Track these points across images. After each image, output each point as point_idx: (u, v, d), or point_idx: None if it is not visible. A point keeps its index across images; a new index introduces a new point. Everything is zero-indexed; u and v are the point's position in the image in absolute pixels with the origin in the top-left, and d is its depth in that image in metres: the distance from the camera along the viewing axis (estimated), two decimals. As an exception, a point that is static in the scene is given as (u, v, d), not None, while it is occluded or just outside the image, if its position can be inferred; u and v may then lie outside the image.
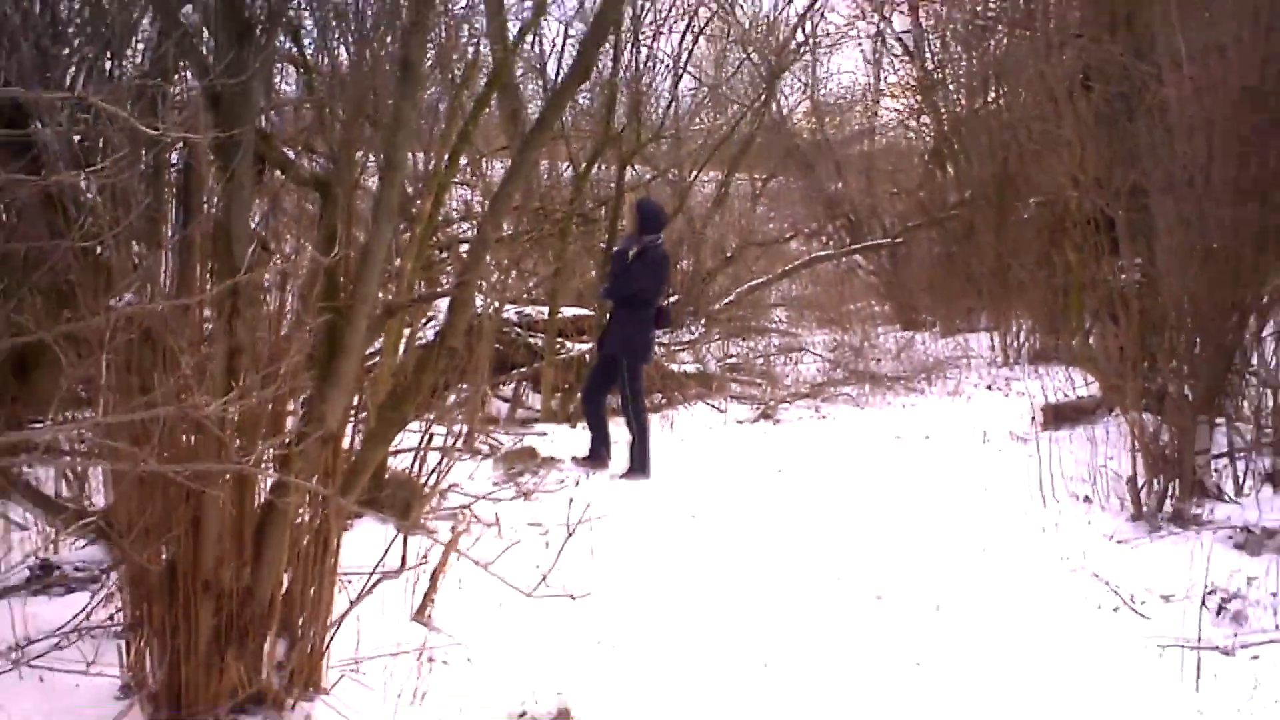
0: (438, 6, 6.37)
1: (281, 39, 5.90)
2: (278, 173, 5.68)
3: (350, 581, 5.89)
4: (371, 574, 5.92)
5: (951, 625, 7.06)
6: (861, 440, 13.01)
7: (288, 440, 5.15)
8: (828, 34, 24.21)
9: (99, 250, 4.84)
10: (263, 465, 4.96)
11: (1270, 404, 8.74)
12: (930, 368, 17.66)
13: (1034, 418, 12.03)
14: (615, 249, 12.91)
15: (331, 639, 5.58)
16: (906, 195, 23.22)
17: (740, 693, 6.14)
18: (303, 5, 6.04)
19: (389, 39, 5.74)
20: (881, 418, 14.62)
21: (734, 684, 6.25)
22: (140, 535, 4.93)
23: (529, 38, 18.17)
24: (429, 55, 6.36)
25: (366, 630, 5.99)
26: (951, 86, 22.78)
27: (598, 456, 11.70)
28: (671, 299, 13.20)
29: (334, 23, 5.84)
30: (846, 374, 17.46)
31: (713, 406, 15.62)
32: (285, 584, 5.31)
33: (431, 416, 8.83)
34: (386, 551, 6.20)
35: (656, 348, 13.32)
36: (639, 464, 11.40)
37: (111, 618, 5.69)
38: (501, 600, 6.79)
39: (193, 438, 4.88)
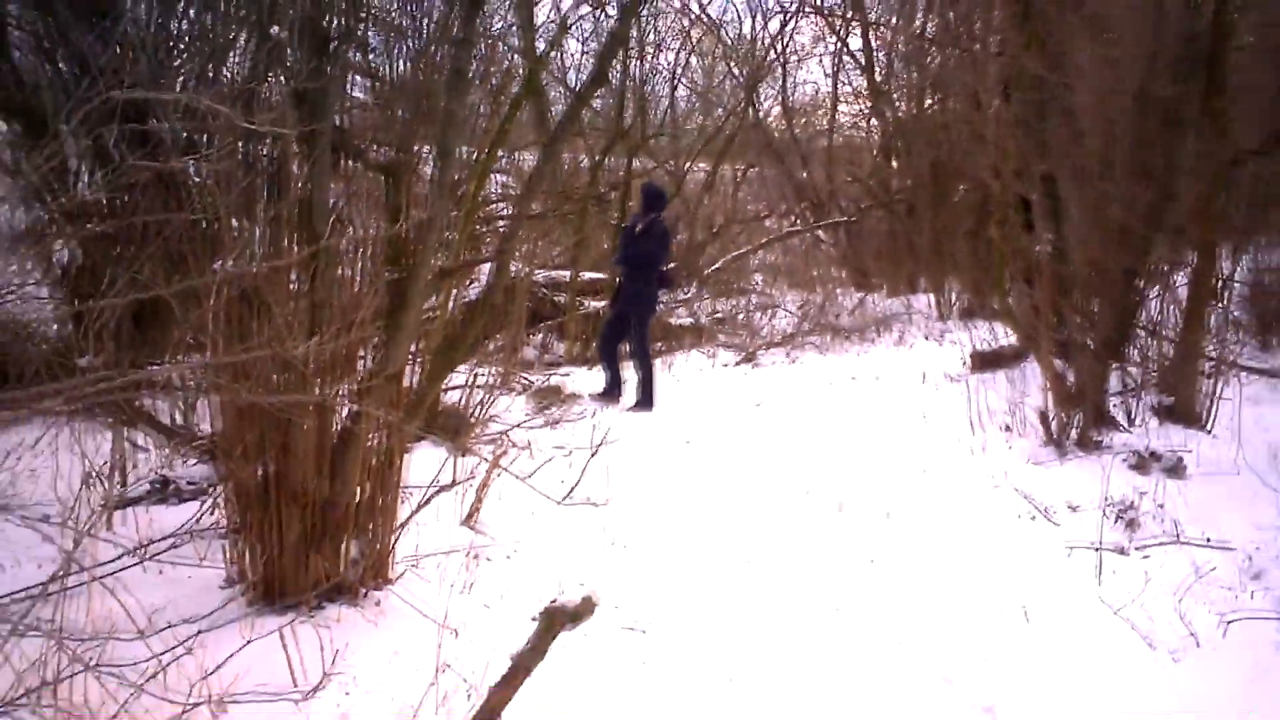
0: (480, 27, 6.29)
1: (354, 53, 5.83)
2: (352, 161, 5.61)
3: (411, 494, 5.88)
4: (428, 488, 5.92)
5: (899, 530, 7.05)
6: (824, 380, 12.96)
7: (361, 378, 5.13)
8: (796, 51, 24.19)
9: (206, 223, 4.79)
10: (339, 398, 4.92)
11: (1156, 352, 8.74)
12: (880, 322, 17.60)
13: (964, 362, 11.99)
14: (625, 224, 12.89)
15: (397, 541, 5.57)
16: (860, 182, 23.15)
17: (727, 583, 6.14)
18: (372, 25, 5.96)
19: (442, 52, 5.66)
20: (840, 362, 14.56)
21: (722, 577, 6.25)
22: (241, 455, 4.93)
23: (554, 53, 18.10)
24: (475, 66, 6.27)
25: (425, 534, 6.01)
26: (897, 95, 22.70)
27: (611, 393, 11.70)
28: (671, 265, 13.15)
29: (397, 40, 5.77)
30: (812, 327, 17.38)
31: (704, 353, 15.58)
32: (359, 495, 5.29)
33: (477, 360, 8.83)
34: (440, 469, 6.20)
35: (659, 305, 13.23)
36: (645, 399, 11.39)
37: (218, 522, 5.69)
38: (534, 509, 6.80)
39: (284, 376, 4.85)
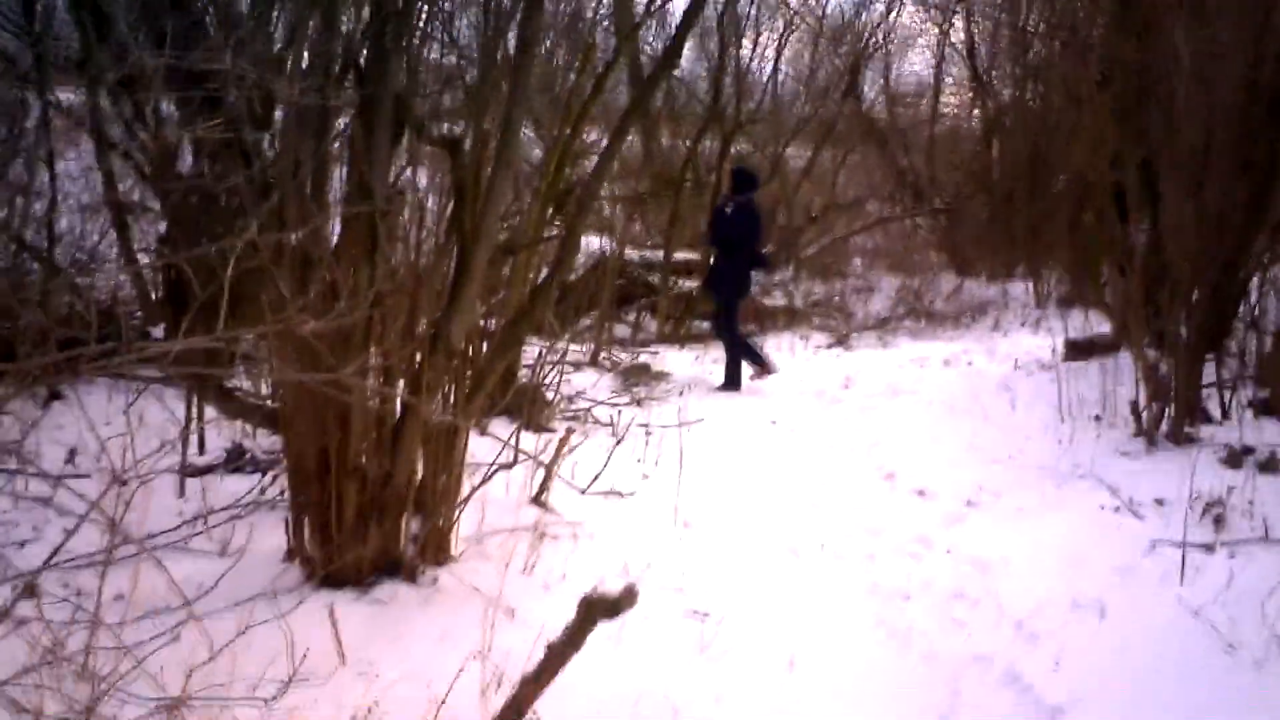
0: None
1: (430, 22, 5.61)
2: (416, 134, 5.38)
3: (479, 470, 5.68)
4: (492, 464, 5.71)
5: (980, 519, 6.79)
6: (916, 364, 12.68)
7: (418, 353, 4.96)
8: (897, 38, 23.95)
9: (265, 191, 4.60)
10: (369, 375, 4.70)
11: (1253, 344, 8.36)
12: (975, 308, 17.29)
13: (1057, 351, 11.63)
14: (716, 205, 12.68)
15: (458, 518, 5.37)
16: (961, 169, 22.83)
17: (797, 569, 5.96)
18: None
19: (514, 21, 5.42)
20: (933, 347, 14.23)
21: (793, 562, 6.07)
22: (300, 427, 4.77)
23: (650, 32, 18.02)
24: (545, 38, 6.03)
25: (492, 511, 5.79)
26: (998, 83, 22.36)
27: (760, 364, 11.42)
28: (766, 248, 12.95)
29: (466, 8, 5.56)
30: (907, 310, 17.10)
31: (797, 335, 15.32)
32: (420, 471, 5.09)
33: (560, 338, 8.66)
34: (503, 447, 5.98)
35: (752, 286, 12.92)
36: (731, 380, 11.15)
37: (282, 494, 5.53)
38: (609, 488, 6.59)
39: (340, 349, 4.64)
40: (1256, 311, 8.39)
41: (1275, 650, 4.69)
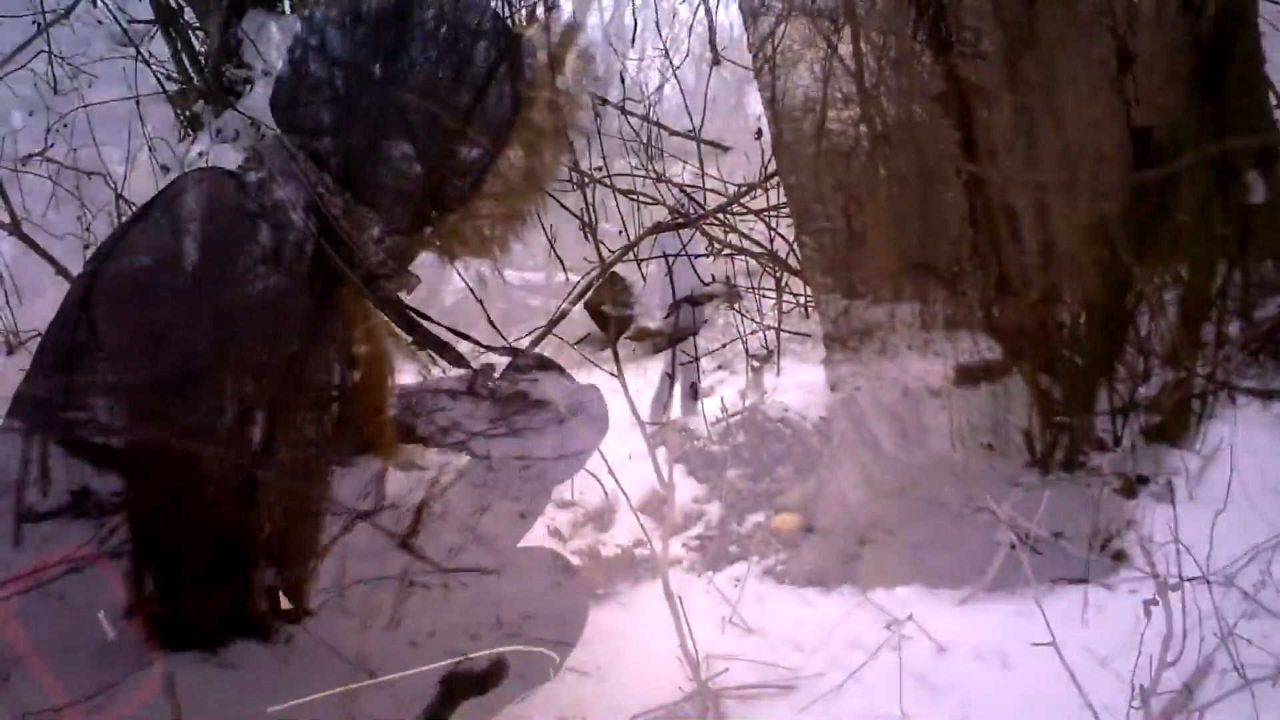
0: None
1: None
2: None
3: (340, 517, 5.38)
4: (353, 511, 5.42)
5: (874, 558, 6.64)
6: (803, 390, 12.53)
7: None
8: (784, 53, 23.96)
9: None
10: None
11: (1145, 369, 8.34)
12: (861, 330, 17.24)
13: (948, 375, 11.58)
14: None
15: (315, 569, 5.07)
16: (847, 187, 22.92)
17: (684, 614, 5.68)
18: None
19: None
20: (819, 370, 14.12)
21: (680, 606, 5.79)
22: (142, 471, 4.54)
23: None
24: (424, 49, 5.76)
25: (355, 560, 5.44)
26: (885, 100, 22.50)
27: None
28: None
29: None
30: (792, 334, 17.03)
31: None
32: (277, 519, 4.80)
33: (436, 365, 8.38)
34: (368, 490, 5.68)
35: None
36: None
37: (124, 543, 5.20)
38: (486, 532, 6.34)
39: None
40: (1149, 335, 8.39)
41: (1185, 701, 4.57)
